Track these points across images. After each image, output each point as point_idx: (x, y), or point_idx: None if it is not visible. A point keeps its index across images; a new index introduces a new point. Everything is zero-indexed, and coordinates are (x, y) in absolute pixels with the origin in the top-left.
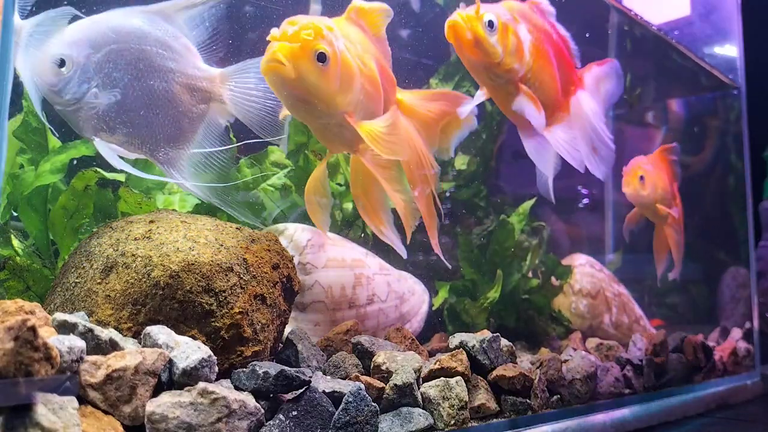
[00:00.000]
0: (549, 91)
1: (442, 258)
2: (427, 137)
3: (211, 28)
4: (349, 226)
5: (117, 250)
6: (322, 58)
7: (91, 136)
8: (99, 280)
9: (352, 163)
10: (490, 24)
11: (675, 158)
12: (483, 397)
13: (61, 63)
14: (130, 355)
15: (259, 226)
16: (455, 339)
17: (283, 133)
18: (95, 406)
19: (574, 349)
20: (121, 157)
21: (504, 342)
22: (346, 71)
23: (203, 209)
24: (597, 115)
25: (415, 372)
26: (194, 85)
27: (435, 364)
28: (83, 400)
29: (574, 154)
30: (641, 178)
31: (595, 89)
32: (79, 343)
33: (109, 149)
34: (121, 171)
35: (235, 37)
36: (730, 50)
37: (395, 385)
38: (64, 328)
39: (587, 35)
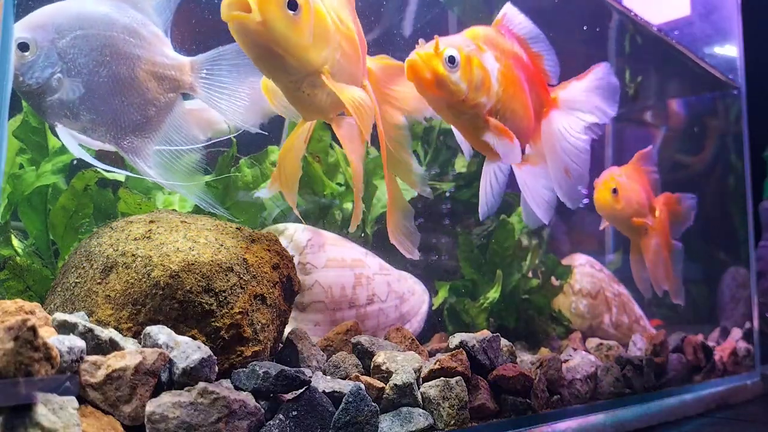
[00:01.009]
0: (521, 119)
1: (400, 248)
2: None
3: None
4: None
5: (117, 250)
6: (292, 5)
7: (53, 122)
8: (99, 280)
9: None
10: (451, 60)
11: (652, 167)
12: (483, 397)
13: (24, 47)
14: (130, 355)
15: (228, 216)
16: (455, 339)
17: (255, 123)
18: (95, 406)
19: (574, 349)
20: (81, 146)
21: (504, 342)
22: (319, 23)
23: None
24: (570, 135)
25: (415, 372)
26: (162, 73)
27: (435, 364)
28: (83, 400)
29: (539, 201)
30: (614, 191)
31: (572, 107)
32: (79, 343)
33: (70, 137)
34: (80, 160)
35: (206, 23)
36: (730, 50)
37: (395, 385)
38: (64, 328)
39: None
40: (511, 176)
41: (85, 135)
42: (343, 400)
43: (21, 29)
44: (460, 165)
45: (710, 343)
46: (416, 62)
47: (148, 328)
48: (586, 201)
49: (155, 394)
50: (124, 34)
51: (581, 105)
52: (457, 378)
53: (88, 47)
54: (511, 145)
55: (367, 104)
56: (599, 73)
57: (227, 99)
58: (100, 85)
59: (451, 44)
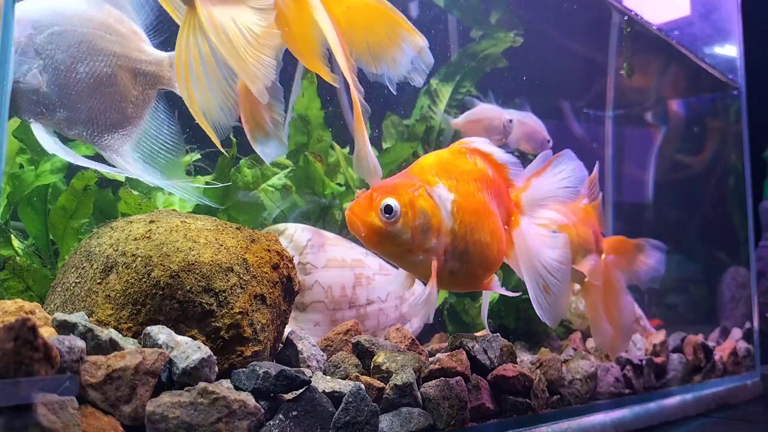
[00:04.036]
0: (488, 246)
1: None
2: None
3: (157, 9)
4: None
5: (117, 250)
6: (387, 210)
7: (29, 118)
8: (99, 280)
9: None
10: (388, 210)
11: (595, 198)
12: (483, 397)
13: None
14: (130, 355)
15: (212, 204)
16: (455, 339)
17: (231, 123)
18: (95, 406)
19: (574, 349)
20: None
21: (504, 342)
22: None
23: (203, 209)
24: (544, 246)
25: (415, 372)
26: (140, 69)
27: (435, 364)
28: (83, 400)
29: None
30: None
31: (537, 206)
32: (79, 343)
33: (45, 133)
34: (54, 155)
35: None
36: (730, 50)
37: (395, 385)
38: (64, 328)
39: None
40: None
41: (62, 132)
42: (343, 400)
43: None
44: None
45: (710, 343)
46: (351, 217)
47: (148, 328)
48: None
49: (155, 394)
50: (101, 31)
51: (546, 201)
52: (457, 378)
53: (65, 43)
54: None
55: None
56: (561, 163)
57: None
58: (77, 81)
59: (389, 191)
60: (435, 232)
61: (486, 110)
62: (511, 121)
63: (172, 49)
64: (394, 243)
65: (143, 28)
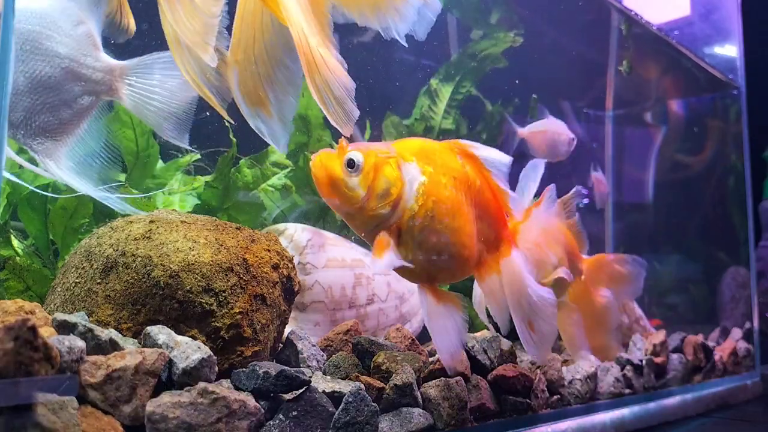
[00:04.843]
0: (452, 245)
1: (334, 120)
2: None
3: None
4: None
5: (117, 250)
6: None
7: None
8: (99, 280)
9: None
10: (351, 163)
11: (572, 218)
12: (483, 397)
13: None
14: (130, 355)
15: (140, 213)
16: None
17: (184, 138)
18: (95, 406)
19: None
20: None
21: (504, 342)
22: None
23: (203, 210)
24: (534, 285)
25: (415, 372)
26: (84, 74)
27: (435, 364)
28: (83, 400)
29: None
30: None
31: (530, 242)
32: (79, 343)
33: None
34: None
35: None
36: (730, 50)
37: (395, 385)
38: (64, 328)
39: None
40: (512, 176)
41: None
42: (343, 400)
43: None
44: None
45: (710, 343)
46: (314, 162)
47: (148, 328)
48: (586, 201)
49: (155, 394)
50: (49, 30)
51: (542, 231)
52: (457, 378)
53: None
54: (385, 255)
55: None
56: (549, 197)
57: (155, 110)
58: (15, 81)
59: (359, 147)
60: (391, 203)
61: (553, 124)
62: (574, 139)
63: (132, 56)
64: (346, 196)
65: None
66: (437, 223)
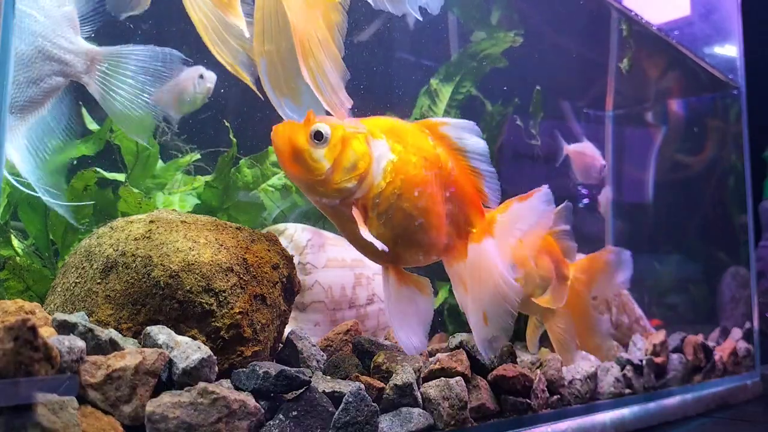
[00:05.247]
0: (417, 225)
1: (330, 102)
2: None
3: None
4: None
5: (117, 250)
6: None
7: None
8: (99, 280)
9: None
10: (318, 135)
11: (565, 228)
12: (483, 397)
13: None
14: (130, 355)
15: (76, 226)
16: (455, 339)
17: (143, 138)
18: (95, 406)
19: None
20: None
21: (504, 342)
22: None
23: (203, 210)
24: (499, 278)
25: (415, 372)
26: (56, 55)
27: (435, 364)
28: (83, 400)
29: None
30: None
31: (509, 232)
32: (79, 343)
33: None
34: None
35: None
36: (730, 50)
37: (395, 385)
38: (64, 328)
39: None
40: (515, 169)
41: None
42: (343, 400)
43: None
44: None
45: (710, 343)
46: (277, 131)
47: (148, 328)
48: (586, 201)
49: (155, 394)
50: (31, 8)
51: (520, 230)
52: (457, 378)
53: None
54: (365, 231)
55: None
56: (542, 199)
57: (119, 102)
58: None
59: (328, 121)
60: (358, 177)
61: (590, 148)
62: (605, 165)
63: (107, 42)
64: (309, 167)
65: (84, 16)
66: (404, 201)
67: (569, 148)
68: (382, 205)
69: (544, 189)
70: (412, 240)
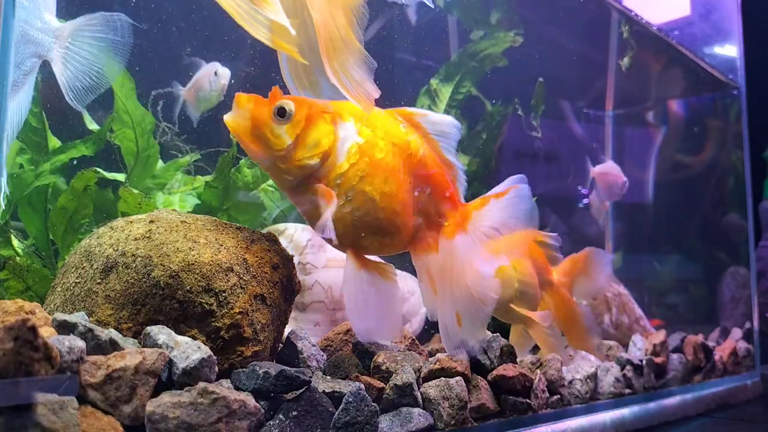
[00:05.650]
0: (382, 211)
1: (356, 95)
2: None
3: None
4: None
5: (117, 250)
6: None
7: None
8: (99, 280)
9: None
10: (281, 112)
11: (552, 242)
12: (483, 397)
13: None
14: (130, 355)
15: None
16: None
17: (82, 107)
18: (95, 406)
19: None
20: None
21: (504, 342)
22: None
23: (203, 210)
24: (473, 277)
25: (415, 372)
26: (33, 36)
27: (435, 364)
28: (83, 400)
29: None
30: None
31: (484, 228)
32: (79, 343)
33: None
34: None
35: None
36: (730, 50)
37: (395, 385)
38: (64, 328)
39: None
40: (515, 169)
41: None
42: (343, 400)
43: None
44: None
45: (710, 343)
46: (239, 101)
47: (148, 328)
48: (586, 201)
49: (155, 394)
50: None
51: (497, 227)
52: (457, 378)
53: None
54: (326, 208)
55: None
56: (519, 194)
57: (71, 72)
58: None
59: (295, 98)
60: (320, 155)
61: (613, 168)
62: (626, 182)
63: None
64: (269, 142)
65: None
66: (366, 185)
67: (595, 170)
68: (343, 186)
69: (522, 186)
70: (373, 226)
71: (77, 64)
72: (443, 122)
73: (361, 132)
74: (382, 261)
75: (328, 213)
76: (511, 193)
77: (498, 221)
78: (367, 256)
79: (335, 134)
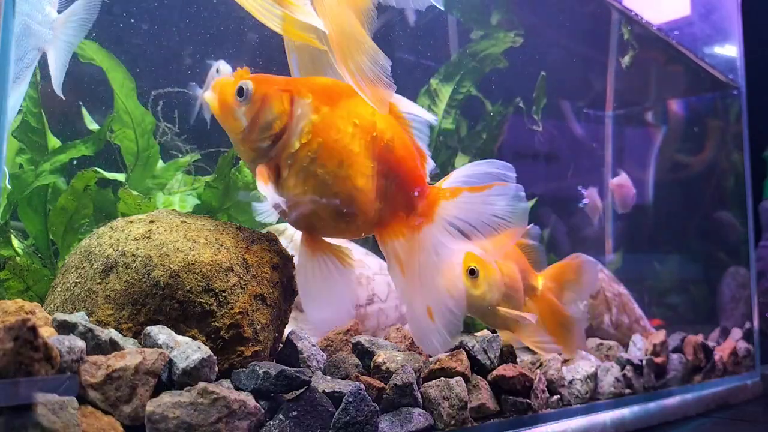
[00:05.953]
0: (334, 193)
1: (369, 90)
2: None
3: None
4: None
5: (117, 250)
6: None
7: None
8: (99, 280)
9: None
10: (240, 92)
11: (534, 242)
12: (483, 397)
13: None
14: (130, 355)
15: None
16: (455, 339)
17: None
18: (95, 406)
19: None
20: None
21: (504, 342)
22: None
23: (203, 210)
24: (442, 268)
25: (415, 372)
26: (34, 29)
27: (435, 364)
28: (83, 400)
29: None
30: (471, 272)
31: (454, 220)
32: (79, 343)
33: None
34: None
35: None
36: (730, 50)
37: (395, 385)
38: (64, 328)
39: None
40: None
41: None
42: (343, 400)
43: None
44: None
45: (710, 343)
46: (214, 86)
47: (148, 328)
48: (585, 201)
49: (155, 394)
50: None
51: (469, 222)
52: (457, 378)
53: None
54: (263, 188)
55: None
56: (505, 192)
57: (63, 64)
58: None
59: (257, 79)
60: (271, 138)
61: (627, 180)
62: (635, 194)
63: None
64: (229, 124)
65: None
66: (318, 167)
67: (613, 182)
68: (294, 167)
69: (511, 184)
70: (328, 209)
71: (66, 53)
72: (415, 110)
73: (317, 109)
74: (340, 245)
75: (268, 192)
76: (494, 189)
77: (474, 218)
78: (326, 239)
79: (289, 114)
